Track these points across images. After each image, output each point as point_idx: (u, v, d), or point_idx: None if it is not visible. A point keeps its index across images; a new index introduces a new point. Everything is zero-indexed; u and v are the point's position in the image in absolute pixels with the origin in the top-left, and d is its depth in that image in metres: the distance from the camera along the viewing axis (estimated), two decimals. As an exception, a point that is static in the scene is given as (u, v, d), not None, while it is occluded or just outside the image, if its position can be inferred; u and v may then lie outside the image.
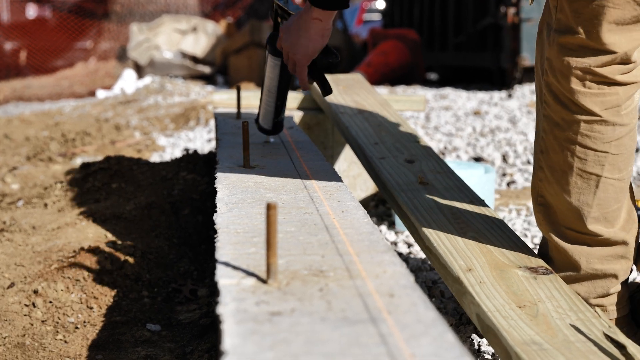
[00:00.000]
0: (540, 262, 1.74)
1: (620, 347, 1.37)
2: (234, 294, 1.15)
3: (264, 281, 1.21)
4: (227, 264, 1.27)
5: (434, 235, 1.79)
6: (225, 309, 1.09)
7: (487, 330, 1.47)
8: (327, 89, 2.13)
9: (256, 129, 2.39)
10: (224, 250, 1.35)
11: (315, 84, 2.33)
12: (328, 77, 3.48)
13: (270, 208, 1.17)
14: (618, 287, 1.84)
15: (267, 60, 2.27)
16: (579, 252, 1.81)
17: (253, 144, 2.32)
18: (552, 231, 1.84)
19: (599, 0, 1.66)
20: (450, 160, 3.74)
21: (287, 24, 2.08)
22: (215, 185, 1.87)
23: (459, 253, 1.71)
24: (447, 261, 1.68)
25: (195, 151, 3.62)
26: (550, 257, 1.87)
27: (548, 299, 1.55)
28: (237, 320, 1.05)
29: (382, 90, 8.15)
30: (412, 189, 2.09)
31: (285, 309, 1.10)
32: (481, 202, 2.02)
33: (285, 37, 2.07)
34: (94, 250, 2.55)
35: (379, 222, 3.42)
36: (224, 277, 1.22)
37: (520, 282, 1.62)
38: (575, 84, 1.72)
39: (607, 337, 1.40)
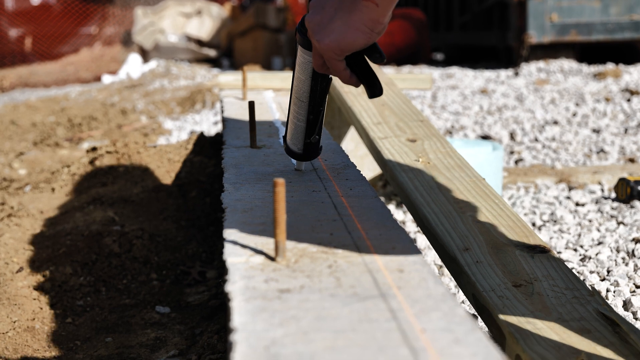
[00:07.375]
0: (539, 240, 1.72)
1: (614, 324, 1.35)
2: (242, 272, 1.14)
3: (272, 259, 1.20)
4: (235, 243, 1.27)
5: (432, 215, 1.78)
6: (233, 286, 1.08)
7: (481, 310, 1.46)
8: (374, 91, 1.49)
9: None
10: (231, 229, 1.34)
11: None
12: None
13: (277, 185, 1.16)
14: None
15: (297, 56, 1.59)
16: None
17: (259, 124, 2.31)
18: None
19: None
20: (457, 139, 3.73)
21: None
22: (222, 165, 1.87)
23: (457, 233, 1.70)
24: (444, 241, 1.67)
25: (201, 133, 3.61)
26: None
27: (545, 277, 1.54)
28: (246, 297, 1.04)
29: (389, 70, 8.12)
30: (413, 168, 2.08)
31: (295, 286, 1.09)
32: (482, 181, 2.01)
33: (313, 14, 1.42)
34: (101, 234, 2.55)
35: (387, 201, 3.41)
36: (232, 256, 1.21)
37: (517, 261, 1.60)
38: None
39: (601, 314, 1.39)
